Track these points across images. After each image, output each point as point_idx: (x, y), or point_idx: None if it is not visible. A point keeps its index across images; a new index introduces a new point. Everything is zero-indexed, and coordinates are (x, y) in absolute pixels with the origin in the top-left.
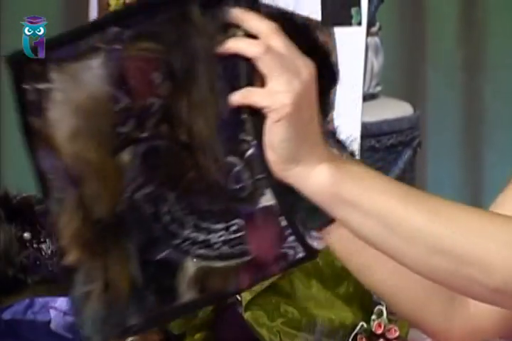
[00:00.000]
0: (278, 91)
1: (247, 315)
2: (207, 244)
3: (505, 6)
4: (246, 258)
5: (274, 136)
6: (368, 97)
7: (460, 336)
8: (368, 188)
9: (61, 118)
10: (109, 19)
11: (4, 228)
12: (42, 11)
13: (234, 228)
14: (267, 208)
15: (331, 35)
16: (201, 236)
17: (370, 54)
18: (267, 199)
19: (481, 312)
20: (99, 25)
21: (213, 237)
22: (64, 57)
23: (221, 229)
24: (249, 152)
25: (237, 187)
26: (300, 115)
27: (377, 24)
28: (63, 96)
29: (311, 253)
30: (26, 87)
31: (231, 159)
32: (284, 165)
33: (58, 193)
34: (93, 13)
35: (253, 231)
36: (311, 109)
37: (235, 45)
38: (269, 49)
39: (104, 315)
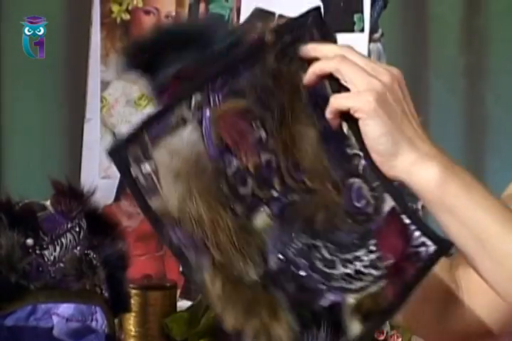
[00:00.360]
0: (360, 91)
1: None
2: (359, 274)
3: (508, 12)
4: (386, 271)
5: (370, 134)
6: None
7: (455, 337)
8: (471, 200)
9: (177, 192)
10: (191, 88)
11: (7, 234)
12: (44, 12)
13: (373, 248)
14: (390, 212)
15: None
16: (352, 269)
17: None
18: (388, 204)
19: (477, 315)
20: (183, 96)
21: (361, 265)
22: (159, 134)
23: (364, 254)
24: (361, 164)
25: (362, 204)
26: (389, 110)
27: (380, 30)
28: (171, 171)
29: (443, 244)
30: (134, 172)
31: (351, 180)
32: (389, 162)
33: (198, 263)
34: (96, 18)
35: (384, 239)
36: (401, 105)
37: (314, 69)
38: (344, 59)
39: None
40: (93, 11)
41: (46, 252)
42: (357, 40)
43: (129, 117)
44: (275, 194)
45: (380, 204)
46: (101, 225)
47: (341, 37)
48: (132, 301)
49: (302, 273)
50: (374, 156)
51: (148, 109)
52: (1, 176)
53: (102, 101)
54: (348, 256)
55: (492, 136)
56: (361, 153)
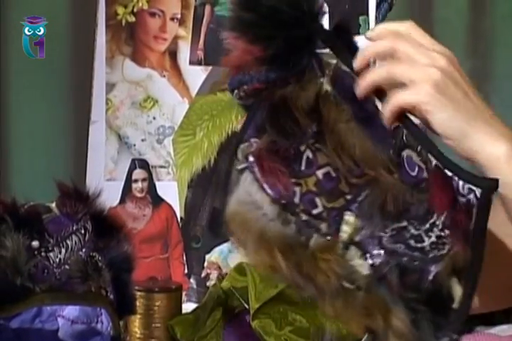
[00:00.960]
0: (417, 83)
1: (254, 324)
2: (441, 239)
3: None
4: (450, 226)
5: (438, 123)
6: None
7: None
8: None
9: (252, 244)
10: (235, 142)
11: (12, 236)
12: (47, 13)
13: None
14: (435, 170)
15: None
16: (434, 236)
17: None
18: (433, 162)
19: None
20: (231, 152)
21: (437, 230)
22: (226, 199)
23: (437, 219)
24: (404, 133)
25: (416, 172)
26: (451, 96)
27: None
28: (242, 228)
29: (487, 184)
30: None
31: (402, 153)
32: (461, 144)
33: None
34: (101, 20)
35: (437, 197)
36: (462, 88)
37: (366, 84)
38: (392, 64)
39: None
40: (98, 13)
41: (51, 254)
42: (362, 43)
43: (134, 119)
44: (348, 197)
45: (430, 166)
46: (106, 227)
47: None
48: (137, 303)
49: (404, 257)
50: (446, 141)
51: (153, 111)
52: (7, 178)
53: (107, 104)
54: (427, 226)
55: None
56: (400, 124)
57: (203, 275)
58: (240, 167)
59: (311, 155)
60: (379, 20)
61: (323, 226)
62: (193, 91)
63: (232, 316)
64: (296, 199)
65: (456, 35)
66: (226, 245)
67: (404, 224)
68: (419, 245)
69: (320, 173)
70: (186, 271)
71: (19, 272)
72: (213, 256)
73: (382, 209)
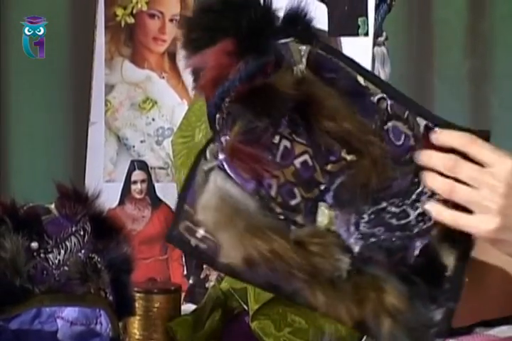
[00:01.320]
0: (482, 212)
1: (254, 325)
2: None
3: None
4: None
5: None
6: None
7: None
8: None
9: (231, 238)
10: (206, 142)
11: (11, 238)
12: (47, 14)
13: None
14: (425, 131)
15: (338, 46)
16: (420, 206)
17: (376, 64)
18: (422, 124)
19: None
20: (199, 153)
21: (425, 197)
22: (194, 198)
23: (423, 187)
24: (388, 105)
25: (402, 140)
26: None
27: (384, 34)
28: (218, 223)
29: (479, 134)
30: (193, 243)
31: (386, 126)
32: (504, 234)
33: (292, 288)
34: (100, 21)
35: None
36: None
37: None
38: (454, 190)
39: (412, 332)
40: (97, 14)
41: (51, 256)
42: (361, 44)
43: (133, 120)
44: (322, 186)
45: (417, 130)
46: (105, 229)
47: (346, 41)
48: (136, 305)
49: (384, 239)
50: (500, 247)
51: (153, 113)
52: (6, 179)
53: (106, 105)
54: (413, 197)
55: (497, 139)
56: (385, 95)
57: (202, 276)
58: (207, 167)
59: (289, 145)
60: (378, 21)
61: (299, 218)
62: (192, 93)
63: (232, 317)
64: (273, 192)
65: (456, 35)
66: None
67: (383, 205)
68: (402, 222)
69: (298, 162)
70: (185, 272)
71: (18, 273)
72: None
73: (359, 193)
